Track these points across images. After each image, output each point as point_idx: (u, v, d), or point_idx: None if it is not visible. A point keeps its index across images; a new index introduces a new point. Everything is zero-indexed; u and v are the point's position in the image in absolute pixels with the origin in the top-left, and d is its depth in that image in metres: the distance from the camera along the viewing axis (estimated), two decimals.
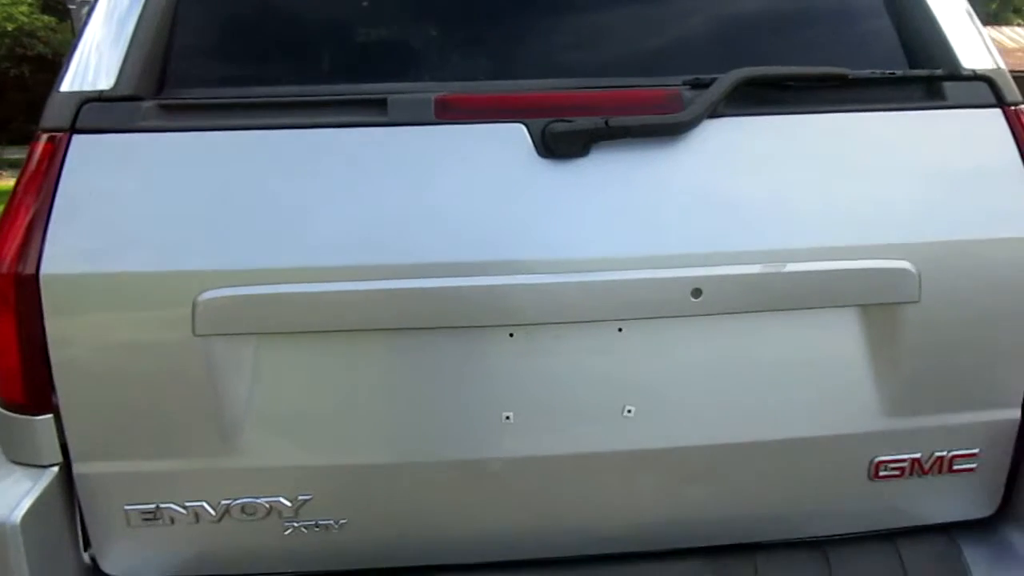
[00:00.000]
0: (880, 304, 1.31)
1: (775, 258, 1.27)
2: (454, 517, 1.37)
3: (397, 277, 1.22)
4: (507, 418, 1.30)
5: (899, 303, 1.30)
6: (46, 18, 16.74)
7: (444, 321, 1.25)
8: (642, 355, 1.30)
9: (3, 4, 16.14)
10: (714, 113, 1.28)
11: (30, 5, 16.80)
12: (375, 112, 1.27)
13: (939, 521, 1.46)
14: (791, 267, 1.28)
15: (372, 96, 1.27)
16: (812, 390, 1.34)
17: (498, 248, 1.24)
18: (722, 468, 1.37)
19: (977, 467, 1.41)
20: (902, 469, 1.39)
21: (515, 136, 1.26)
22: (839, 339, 1.32)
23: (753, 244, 1.27)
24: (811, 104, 1.33)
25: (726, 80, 1.26)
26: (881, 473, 1.39)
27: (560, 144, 1.25)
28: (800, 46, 1.44)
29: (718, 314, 1.28)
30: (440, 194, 1.25)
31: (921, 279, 1.29)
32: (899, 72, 1.36)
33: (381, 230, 1.24)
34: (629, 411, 1.31)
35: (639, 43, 1.43)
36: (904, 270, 1.28)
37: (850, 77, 1.32)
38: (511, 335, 1.27)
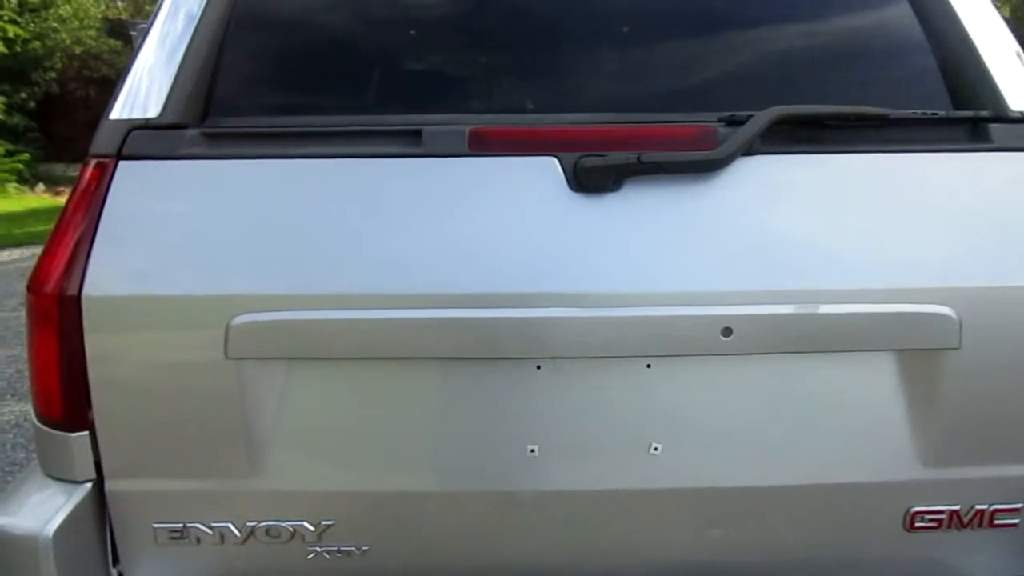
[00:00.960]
0: (919, 350, 1.27)
1: (809, 299, 1.25)
2: (476, 548, 1.36)
3: (426, 307, 1.23)
4: (532, 451, 1.29)
5: (939, 349, 1.27)
6: (112, 42, 17.40)
7: (471, 352, 1.26)
8: (670, 392, 1.29)
9: (72, 28, 16.85)
10: (749, 151, 1.27)
11: (97, 29, 17.50)
12: (410, 143, 1.29)
13: None
14: (825, 308, 1.25)
15: (407, 127, 1.30)
16: (845, 435, 1.30)
17: (528, 280, 1.24)
18: (748, 512, 1.34)
19: (1021, 522, 1.35)
20: (939, 521, 1.34)
21: (547, 169, 1.27)
22: (874, 384, 1.29)
23: (786, 284, 1.25)
24: (850, 143, 1.31)
25: (762, 117, 1.25)
26: (917, 524, 1.34)
27: (592, 178, 1.25)
28: (840, 84, 1.42)
29: (749, 354, 1.26)
30: (471, 225, 1.26)
31: (962, 325, 1.25)
32: (942, 113, 1.33)
33: (412, 260, 1.25)
34: (655, 449, 1.29)
35: (675, 79, 1.43)
36: (945, 315, 1.25)
37: (891, 117, 1.30)
38: (538, 367, 1.27)
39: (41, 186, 15.15)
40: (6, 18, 15.50)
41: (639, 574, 1.38)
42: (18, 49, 15.87)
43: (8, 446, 3.49)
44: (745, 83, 1.43)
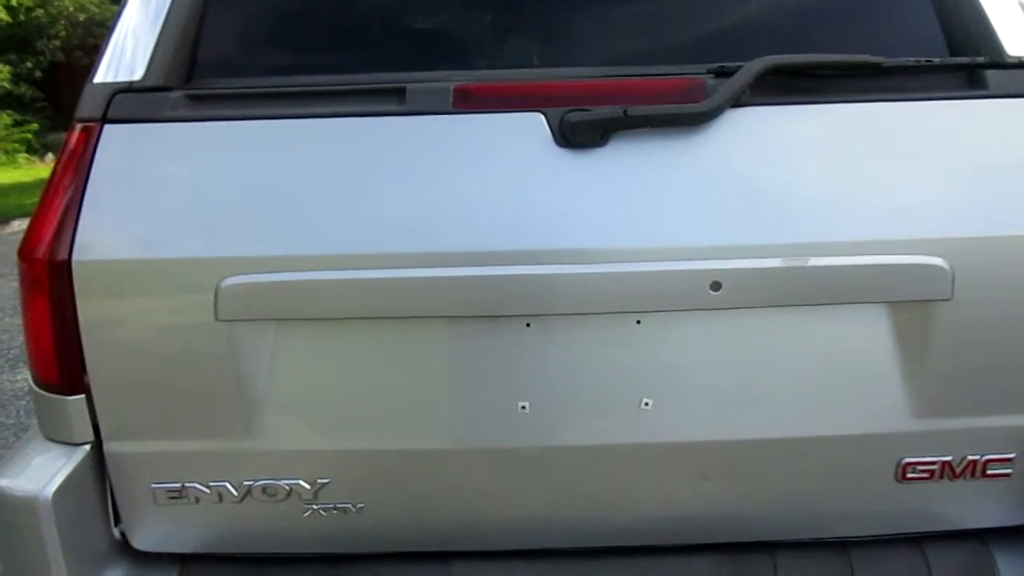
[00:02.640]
0: (910, 301, 1.27)
1: (799, 252, 1.24)
2: (469, 505, 1.38)
3: (412, 266, 1.23)
4: (523, 408, 1.30)
5: (930, 300, 1.26)
6: (116, 8, 17.29)
7: (459, 310, 1.26)
8: (660, 348, 1.29)
9: None
10: (739, 102, 1.25)
11: None
12: (394, 101, 1.27)
13: (970, 527, 1.41)
14: (815, 261, 1.24)
15: (391, 85, 1.28)
16: (836, 388, 1.30)
17: (514, 238, 1.24)
18: (741, 464, 1.35)
19: (1014, 472, 1.35)
20: (931, 472, 1.34)
21: (533, 126, 1.26)
22: (866, 336, 1.28)
23: (775, 237, 1.24)
24: (841, 93, 1.28)
25: (752, 68, 1.23)
26: (909, 475, 1.34)
27: (577, 134, 1.24)
28: (832, 33, 1.39)
29: (738, 308, 1.26)
30: (457, 183, 1.26)
31: (955, 276, 1.24)
32: (937, 60, 1.31)
33: (397, 219, 1.25)
34: (646, 404, 1.30)
35: (663, 32, 1.41)
36: (937, 266, 1.24)
37: (884, 65, 1.27)
38: (528, 325, 1.27)
39: (50, 156, 15.16)
40: None
41: (633, 528, 1.40)
42: (22, 17, 15.79)
43: (22, 412, 3.56)
44: (734, 35, 1.40)
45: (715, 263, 1.23)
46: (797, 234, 1.24)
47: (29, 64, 15.97)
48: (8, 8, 15.32)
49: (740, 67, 1.24)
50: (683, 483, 1.37)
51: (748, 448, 1.33)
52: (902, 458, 1.34)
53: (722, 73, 1.26)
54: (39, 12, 16.28)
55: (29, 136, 15.18)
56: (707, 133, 1.25)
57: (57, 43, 16.52)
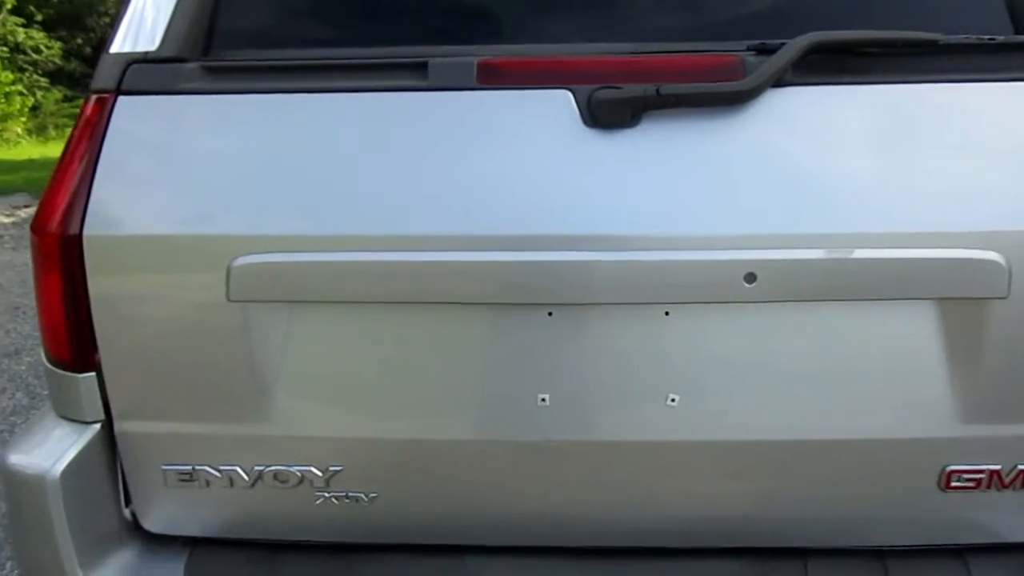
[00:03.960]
0: (962, 299, 1.18)
1: (842, 243, 1.16)
2: (485, 499, 1.33)
3: (429, 249, 1.18)
4: (543, 400, 1.24)
5: (984, 298, 1.17)
6: None
7: (478, 296, 1.20)
8: (689, 341, 1.22)
9: None
10: (780, 82, 1.16)
11: None
12: (416, 76, 1.22)
13: (1019, 540, 1.32)
14: (859, 253, 1.16)
15: (413, 60, 1.22)
16: (876, 389, 1.22)
17: (536, 221, 1.17)
18: (772, 466, 1.28)
19: None
20: (978, 481, 1.26)
21: (560, 103, 1.19)
22: (912, 335, 1.20)
23: (816, 226, 1.16)
24: (892, 73, 1.19)
25: (795, 45, 1.15)
26: (953, 483, 1.26)
27: (607, 113, 1.17)
28: (882, 7, 1.30)
29: (774, 301, 1.18)
30: (479, 163, 1.20)
31: (1012, 272, 1.15)
32: (1001, 38, 1.21)
33: (416, 199, 1.19)
34: (672, 400, 1.23)
35: (698, 5, 1.32)
36: (992, 262, 1.15)
37: (941, 43, 1.18)
38: (549, 314, 1.21)
39: None
40: None
41: (655, 529, 1.33)
42: None
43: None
44: (775, 9, 1.31)
45: (750, 253, 1.15)
46: (840, 224, 1.16)
47: (79, 40, 16.26)
48: None
49: (783, 44, 1.16)
50: (709, 483, 1.30)
51: (779, 449, 1.26)
52: (946, 465, 1.25)
53: (763, 50, 1.18)
54: None
55: (78, 111, 15.48)
56: (746, 114, 1.17)
57: (107, 19, 16.77)
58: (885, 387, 1.22)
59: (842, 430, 1.24)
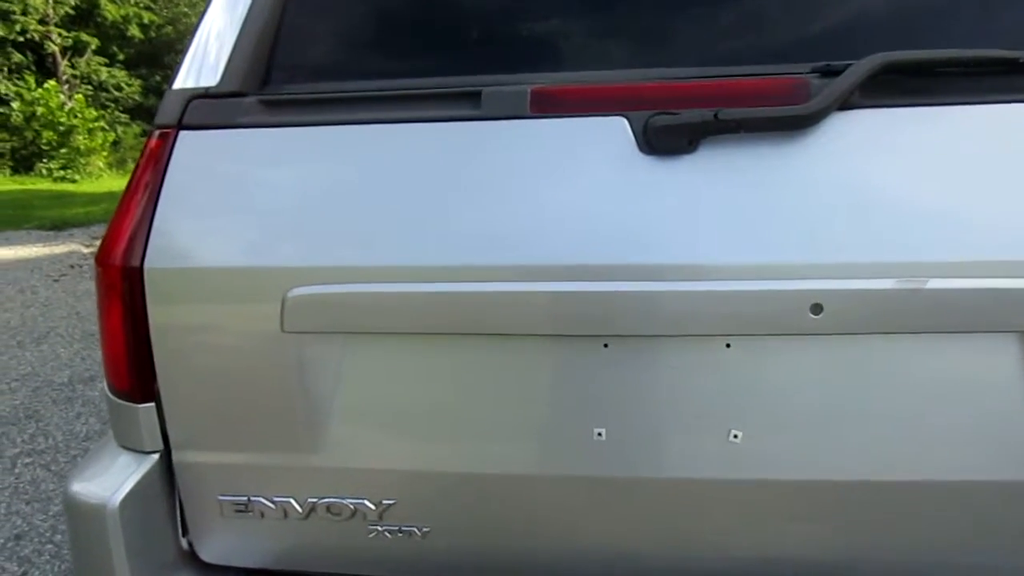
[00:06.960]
0: None
1: (915, 272, 1.10)
2: (539, 534, 1.29)
3: (483, 280, 1.16)
4: (599, 434, 1.20)
5: None
6: None
7: (532, 328, 1.18)
8: (752, 375, 1.17)
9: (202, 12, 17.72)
10: (846, 104, 1.12)
11: None
12: (469, 105, 1.21)
13: None
14: (935, 283, 1.10)
15: (466, 89, 1.22)
16: (951, 428, 1.15)
17: (592, 251, 1.14)
18: (841, 508, 1.21)
19: None
20: None
21: (615, 130, 1.16)
22: (993, 370, 1.13)
23: (887, 255, 1.10)
24: (968, 93, 1.13)
25: (863, 66, 1.10)
26: None
27: (664, 139, 1.14)
28: (956, 24, 1.24)
29: (842, 334, 1.12)
30: (533, 192, 1.18)
31: None
32: None
33: (471, 230, 1.18)
34: (735, 436, 1.18)
35: (758, 27, 1.28)
36: None
37: (1021, 61, 1.11)
38: (605, 345, 1.18)
39: None
40: (141, 5, 16.41)
41: (714, 570, 1.27)
42: (152, 34, 16.81)
43: None
44: (840, 30, 1.26)
45: (816, 283, 1.10)
46: (912, 252, 1.10)
47: (158, 77, 16.99)
48: (141, 26, 16.34)
49: (849, 65, 1.11)
50: (772, 525, 1.24)
51: (849, 491, 1.19)
52: None
53: (828, 72, 1.13)
54: (168, 29, 17.32)
55: None
56: (810, 138, 1.13)
57: None
58: (961, 426, 1.15)
59: (915, 471, 1.17)
